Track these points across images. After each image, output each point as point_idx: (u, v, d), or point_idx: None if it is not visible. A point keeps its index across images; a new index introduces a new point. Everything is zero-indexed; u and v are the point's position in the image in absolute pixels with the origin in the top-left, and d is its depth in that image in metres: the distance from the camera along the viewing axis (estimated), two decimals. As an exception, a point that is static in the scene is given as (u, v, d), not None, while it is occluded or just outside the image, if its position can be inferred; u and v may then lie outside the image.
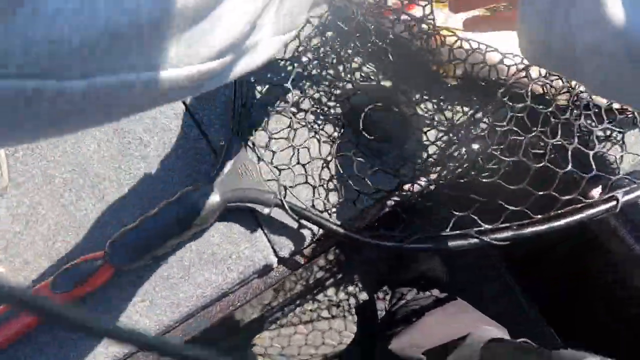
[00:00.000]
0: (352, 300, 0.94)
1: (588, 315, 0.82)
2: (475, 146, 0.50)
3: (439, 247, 0.45)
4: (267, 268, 0.55)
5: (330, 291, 0.92)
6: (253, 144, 0.55)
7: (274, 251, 0.55)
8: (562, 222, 0.41)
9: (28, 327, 0.48)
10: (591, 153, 0.44)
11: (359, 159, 0.52)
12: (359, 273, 0.94)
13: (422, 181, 0.55)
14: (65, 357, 0.51)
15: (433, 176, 0.55)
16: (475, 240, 0.44)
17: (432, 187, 0.54)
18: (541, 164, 0.42)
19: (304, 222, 0.53)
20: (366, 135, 0.54)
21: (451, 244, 0.45)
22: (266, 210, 0.51)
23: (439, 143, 0.56)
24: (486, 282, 0.99)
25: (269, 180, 0.54)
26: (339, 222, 0.52)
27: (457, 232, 0.45)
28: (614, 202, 0.42)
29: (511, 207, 0.44)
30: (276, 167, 0.55)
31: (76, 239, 0.53)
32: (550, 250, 0.84)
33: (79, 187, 0.55)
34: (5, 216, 0.54)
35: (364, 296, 0.94)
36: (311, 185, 0.55)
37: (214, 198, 0.50)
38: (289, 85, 0.55)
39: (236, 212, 0.54)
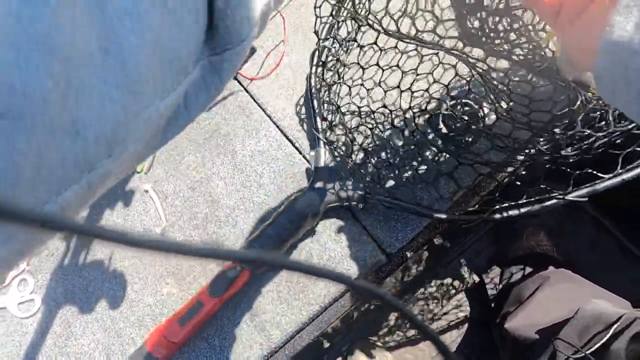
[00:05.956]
0: (461, 285, 0.98)
1: None
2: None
3: (520, 213, 0.49)
4: (378, 264, 0.63)
5: (438, 279, 0.97)
6: (339, 148, 0.64)
7: (382, 250, 0.63)
8: (633, 172, 0.43)
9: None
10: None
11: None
12: (466, 258, 0.98)
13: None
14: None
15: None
16: (554, 200, 0.48)
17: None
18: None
19: (400, 212, 0.61)
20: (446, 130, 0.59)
21: (532, 208, 0.49)
22: (360, 206, 0.60)
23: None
24: (597, 251, 0.96)
25: (362, 179, 0.62)
26: (427, 205, 0.59)
27: (537, 197, 0.49)
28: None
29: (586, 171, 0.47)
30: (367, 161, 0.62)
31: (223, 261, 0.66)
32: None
33: (216, 219, 0.69)
34: (168, 249, 0.69)
35: (473, 279, 0.98)
36: (403, 179, 0.62)
37: (315, 200, 0.60)
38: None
39: (345, 218, 0.64)
